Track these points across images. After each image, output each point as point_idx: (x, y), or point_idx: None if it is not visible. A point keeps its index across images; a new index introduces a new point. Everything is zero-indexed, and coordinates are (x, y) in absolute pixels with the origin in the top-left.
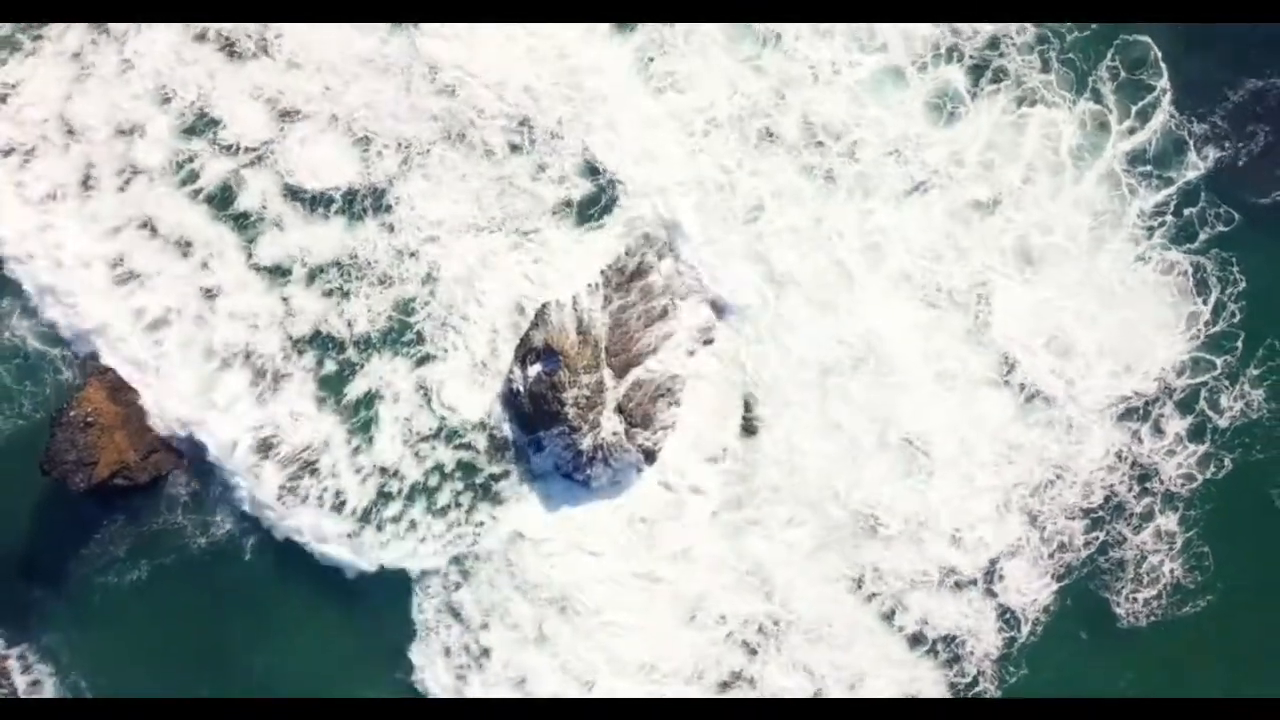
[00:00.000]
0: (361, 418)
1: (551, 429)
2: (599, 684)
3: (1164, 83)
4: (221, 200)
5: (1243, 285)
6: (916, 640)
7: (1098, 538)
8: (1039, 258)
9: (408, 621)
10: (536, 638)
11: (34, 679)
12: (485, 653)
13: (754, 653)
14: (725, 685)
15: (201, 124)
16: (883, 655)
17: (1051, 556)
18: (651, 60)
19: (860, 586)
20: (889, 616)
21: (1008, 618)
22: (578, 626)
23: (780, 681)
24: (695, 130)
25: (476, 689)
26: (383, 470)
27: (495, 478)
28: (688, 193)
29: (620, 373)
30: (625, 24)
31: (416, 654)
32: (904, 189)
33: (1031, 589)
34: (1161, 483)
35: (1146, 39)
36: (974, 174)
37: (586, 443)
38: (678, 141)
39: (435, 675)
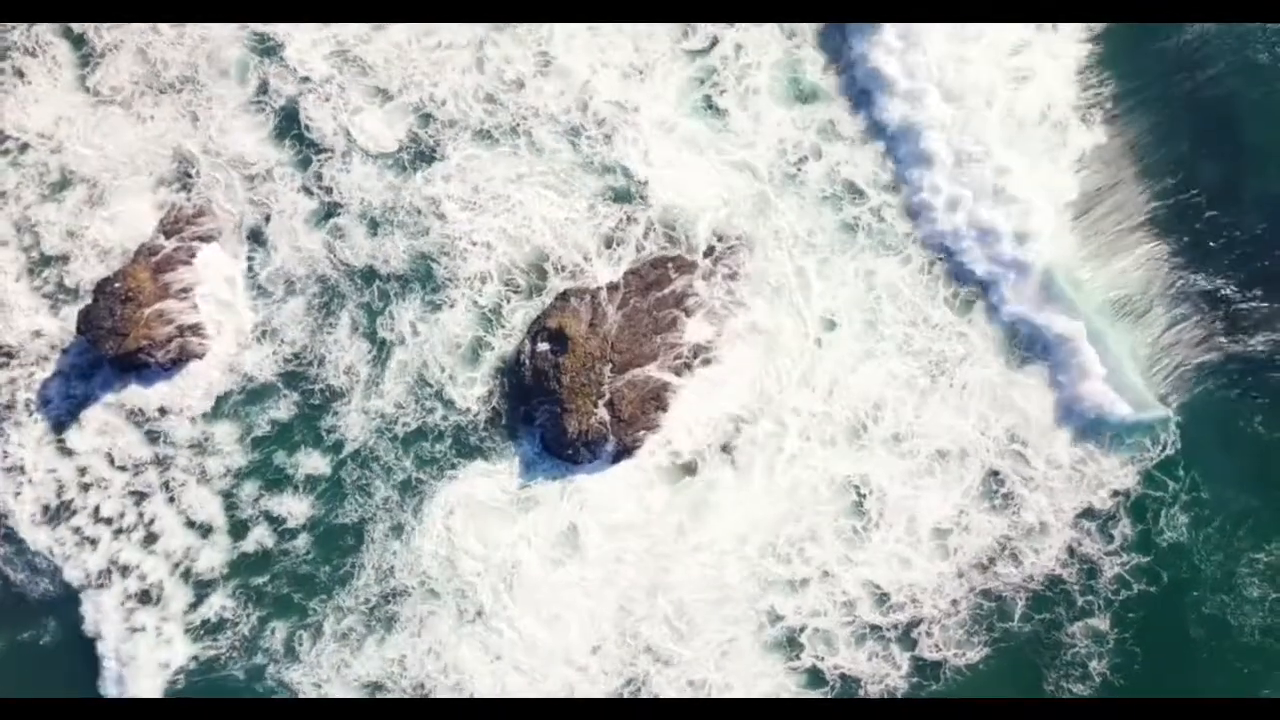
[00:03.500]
0: (380, 358)
1: (545, 404)
2: (507, 671)
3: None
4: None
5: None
6: (816, 676)
7: (1045, 618)
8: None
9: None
10: (458, 618)
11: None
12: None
13: (662, 663)
14: (629, 682)
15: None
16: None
17: (985, 624)
18: (707, 78)
19: (763, 627)
20: (794, 656)
21: (923, 668)
22: (497, 608)
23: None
24: (732, 160)
25: (356, 669)
26: (382, 415)
27: (480, 437)
28: (713, 216)
29: (620, 370)
30: (689, 53)
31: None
32: (920, 255)
33: (956, 648)
34: (1101, 584)
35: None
36: None
37: (573, 425)
38: (713, 168)
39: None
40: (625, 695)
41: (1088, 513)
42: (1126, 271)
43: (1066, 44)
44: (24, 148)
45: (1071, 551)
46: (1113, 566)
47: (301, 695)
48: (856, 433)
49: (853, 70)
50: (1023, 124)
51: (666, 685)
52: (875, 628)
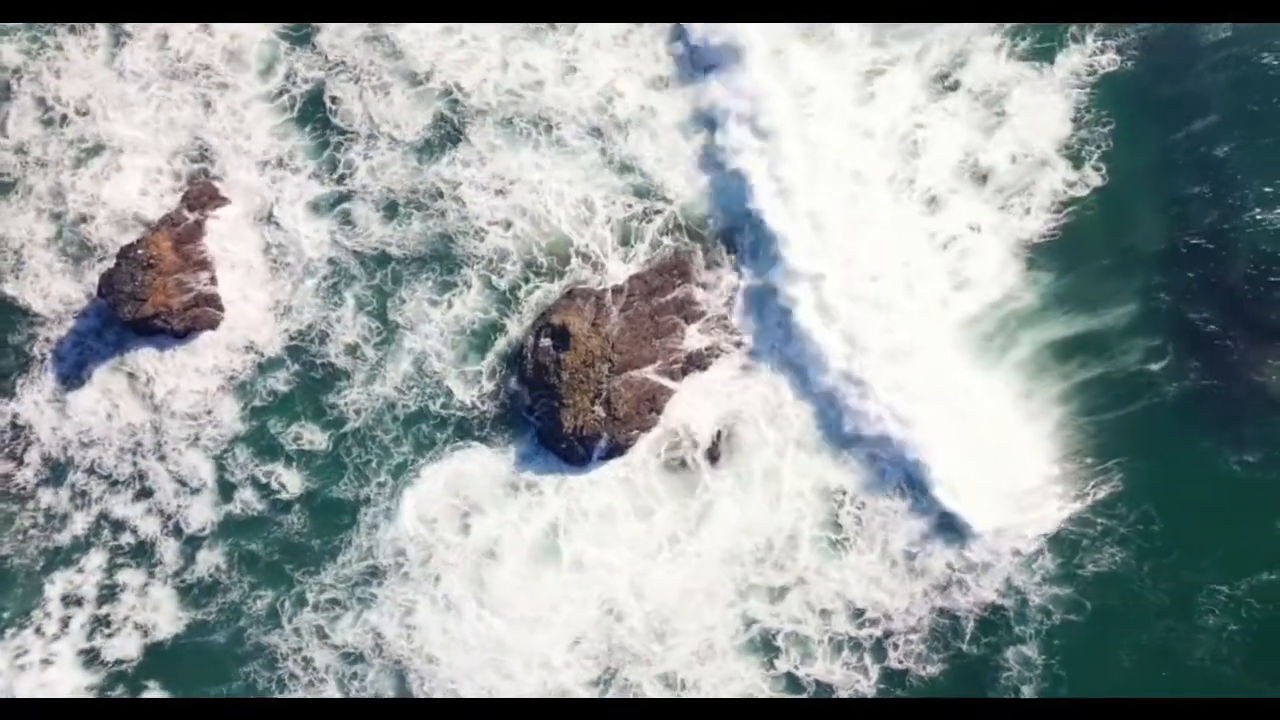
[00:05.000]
0: (389, 340)
1: (543, 397)
2: (477, 659)
3: None
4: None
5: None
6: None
7: (992, 641)
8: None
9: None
10: (432, 602)
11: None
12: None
13: (638, 661)
14: (606, 671)
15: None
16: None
17: (942, 641)
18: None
19: (739, 631)
20: (769, 661)
21: (890, 676)
22: (471, 595)
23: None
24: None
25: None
26: (385, 397)
27: (479, 425)
28: (728, 229)
29: (618, 370)
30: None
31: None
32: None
33: (917, 661)
34: (1030, 612)
35: None
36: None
37: (569, 420)
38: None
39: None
40: (598, 689)
41: (1018, 550)
42: (1100, 309)
43: (1056, 87)
44: (64, 119)
45: (1008, 583)
46: (1039, 597)
47: (279, 656)
48: (838, 448)
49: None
50: (992, 170)
51: (641, 680)
52: (852, 638)
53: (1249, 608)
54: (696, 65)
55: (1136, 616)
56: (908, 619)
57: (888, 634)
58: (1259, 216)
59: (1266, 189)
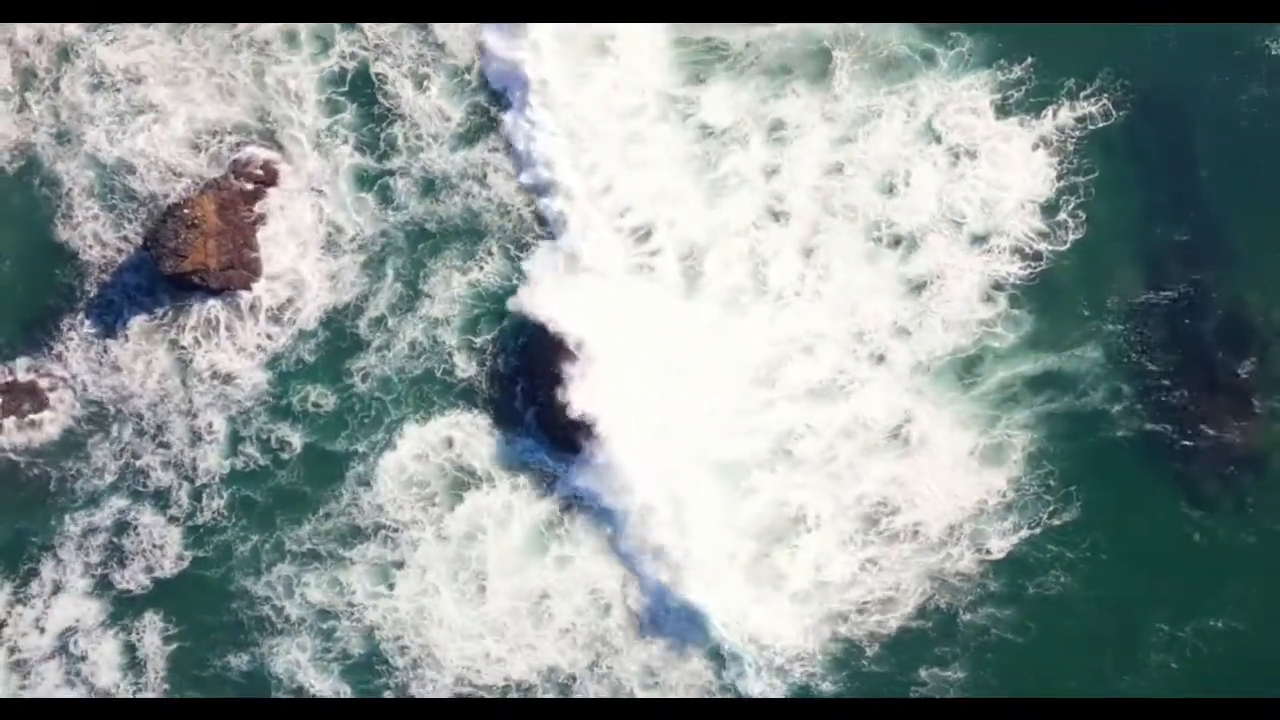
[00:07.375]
0: (411, 310)
1: (546, 385)
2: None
3: None
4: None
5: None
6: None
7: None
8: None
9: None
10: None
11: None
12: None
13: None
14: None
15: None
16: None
17: (841, 665)
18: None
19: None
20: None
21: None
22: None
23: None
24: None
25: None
26: (398, 364)
27: (480, 399)
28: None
29: None
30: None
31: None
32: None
33: (821, 680)
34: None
35: None
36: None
37: (570, 411)
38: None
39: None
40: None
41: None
42: (1069, 351)
43: (1043, 139)
44: (117, 86)
45: (923, 610)
46: (978, 617)
47: (259, 600)
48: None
49: None
50: (969, 217)
51: (622, 674)
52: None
53: (1195, 650)
54: None
55: (1080, 643)
56: (804, 645)
57: (796, 658)
58: (1233, 273)
59: (1244, 246)
